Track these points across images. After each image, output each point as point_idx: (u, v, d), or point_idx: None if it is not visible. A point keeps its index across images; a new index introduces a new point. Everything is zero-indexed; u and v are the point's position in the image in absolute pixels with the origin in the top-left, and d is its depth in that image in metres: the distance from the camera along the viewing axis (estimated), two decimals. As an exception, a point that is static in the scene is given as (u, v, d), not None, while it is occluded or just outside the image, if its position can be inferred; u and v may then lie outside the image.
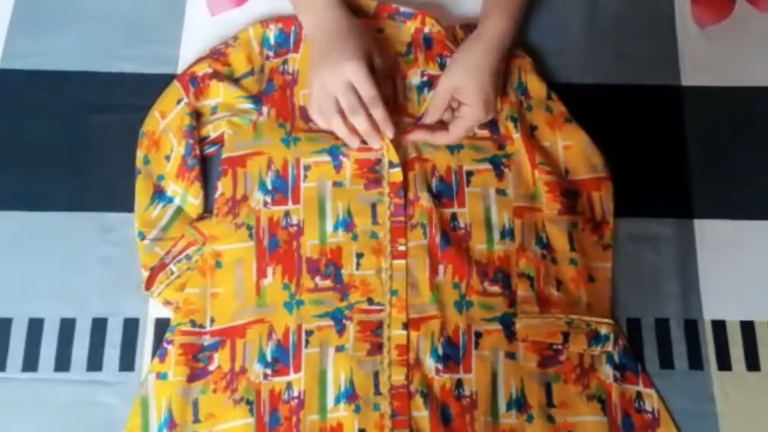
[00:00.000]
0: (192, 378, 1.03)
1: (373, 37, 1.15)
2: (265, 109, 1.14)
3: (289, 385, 1.02)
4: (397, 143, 1.12)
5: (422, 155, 1.12)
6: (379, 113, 1.08)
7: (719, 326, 1.09)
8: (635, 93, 1.20)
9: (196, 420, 1.01)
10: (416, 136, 1.12)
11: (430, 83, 1.17)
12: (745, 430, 1.04)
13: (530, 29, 1.23)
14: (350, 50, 1.07)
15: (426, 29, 1.19)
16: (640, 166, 1.15)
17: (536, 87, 1.17)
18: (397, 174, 1.10)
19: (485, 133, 1.14)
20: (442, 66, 1.17)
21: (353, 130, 1.09)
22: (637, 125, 1.18)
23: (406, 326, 1.04)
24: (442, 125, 1.13)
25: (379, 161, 1.11)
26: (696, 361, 1.07)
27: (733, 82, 1.21)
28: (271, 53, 1.18)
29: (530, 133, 1.14)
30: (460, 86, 1.10)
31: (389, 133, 1.09)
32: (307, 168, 1.11)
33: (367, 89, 1.07)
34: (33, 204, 1.14)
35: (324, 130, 1.12)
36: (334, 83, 1.07)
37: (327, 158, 1.12)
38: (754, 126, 1.19)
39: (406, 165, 1.11)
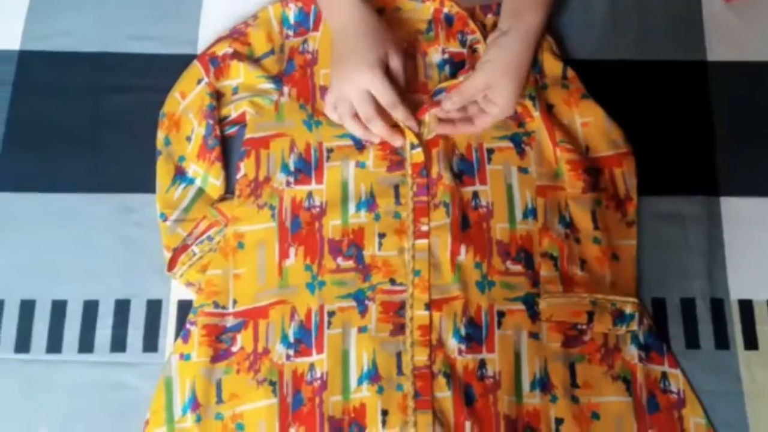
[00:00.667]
0: (215, 359, 1.03)
1: (391, 25, 1.15)
2: (286, 90, 1.14)
3: (311, 366, 1.02)
4: (419, 121, 1.11)
5: (441, 134, 1.12)
6: (400, 115, 1.09)
7: (746, 305, 1.08)
8: (660, 69, 1.18)
9: (220, 401, 1.02)
10: (441, 130, 1.11)
11: (451, 61, 1.16)
12: (771, 410, 1.04)
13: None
14: (366, 58, 1.07)
15: (445, 10, 1.18)
16: (666, 144, 1.14)
17: (552, 66, 1.15)
18: (418, 154, 1.10)
19: None
20: (463, 43, 1.16)
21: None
22: (662, 102, 1.17)
23: (428, 307, 1.03)
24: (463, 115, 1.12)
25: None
26: (722, 341, 1.06)
27: (760, 57, 1.19)
28: (291, 32, 1.17)
29: (548, 111, 1.13)
30: (495, 85, 1.09)
31: (413, 129, 1.10)
32: (330, 150, 1.11)
33: (384, 96, 1.08)
34: (53, 186, 1.14)
35: None
36: (350, 90, 1.08)
37: (350, 142, 1.11)
38: (780, 101, 1.18)
39: (428, 143, 1.11)
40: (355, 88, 1.08)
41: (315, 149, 1.11)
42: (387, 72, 1.09)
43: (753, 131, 1.16)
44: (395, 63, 1.11)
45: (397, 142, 1.10)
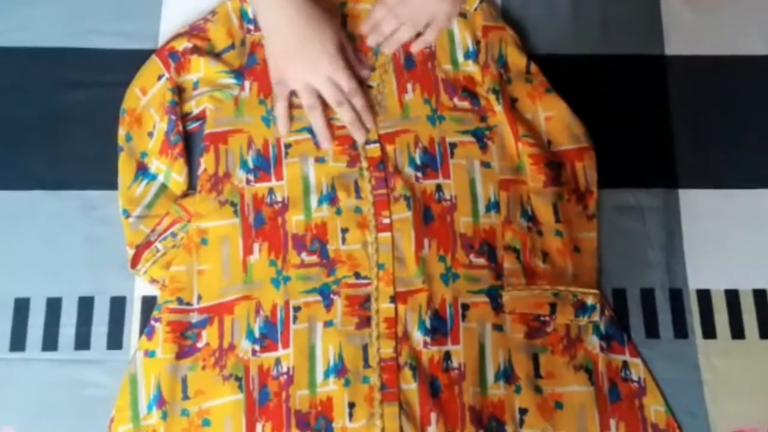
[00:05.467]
0: (180, 355, 1.03)
1: (336, 14, 1.17)
2: (247, 84, 1.14)
3: (277, 361, 1.03)
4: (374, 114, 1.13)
5: (403, 127, 1.12)
6: (359, 102, 1.11)
7: (704, 295, 1.10)
8: (619, 63, 1.20)
9: (186, 397, 1.02)
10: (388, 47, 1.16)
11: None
12: (729, 398, 1.05)
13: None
14: (325, 43, 1.09)
15: None
16: (625, 137, 1.16)
17: (516, 60, 1.16)
18: (374, 149, 1.11)
19: (466, 104, 1.14)
20: None
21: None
22: (621, 96, 1.18)
23: (393, 299, 1.04)
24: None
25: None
26: (681, 330, 1.08)
27: (717, 51, 1.21)
28: (251, 27, 1.17)
29: (512, 105, 1.14)
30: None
31: (369, 125, 1.12)
32: (288, 146, 1.11)
33: (347, 82, 1.10)
34: (14, 183, 1.13)
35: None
36: (314, 78, 1.10)
37: (307, 136, 1.12)
38: (737, 95, 1.19)
39: (384, 139, 1.12)
40: (319, 74, 1.09)
41: (273, 145, 1.11)
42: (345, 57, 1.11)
43: (710, 124, 1.17)
44: (349, 52, 1.13)
45: (359, 136, 1.11)
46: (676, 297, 1.09)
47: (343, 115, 1.11)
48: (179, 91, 1.13)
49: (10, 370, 1.05)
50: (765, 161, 1.16)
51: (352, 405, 1.00)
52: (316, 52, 1.09)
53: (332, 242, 1.07)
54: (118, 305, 1.08)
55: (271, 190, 1.09)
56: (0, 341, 1.06)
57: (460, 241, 1.08)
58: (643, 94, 1.19)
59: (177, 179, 1.10)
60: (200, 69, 1.13)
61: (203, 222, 1.08)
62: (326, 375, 1.02)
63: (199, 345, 1.04)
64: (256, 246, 1.07)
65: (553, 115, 1.13)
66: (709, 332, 1.08)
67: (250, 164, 1.10)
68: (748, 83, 1.20)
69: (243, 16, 1.17)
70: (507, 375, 1.03)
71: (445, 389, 1.02)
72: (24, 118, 1.15)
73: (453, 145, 1.12)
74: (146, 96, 1.12)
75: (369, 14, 1.16)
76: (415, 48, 1.16)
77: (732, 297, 1.09)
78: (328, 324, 1.03)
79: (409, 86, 1.15)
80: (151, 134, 1.11)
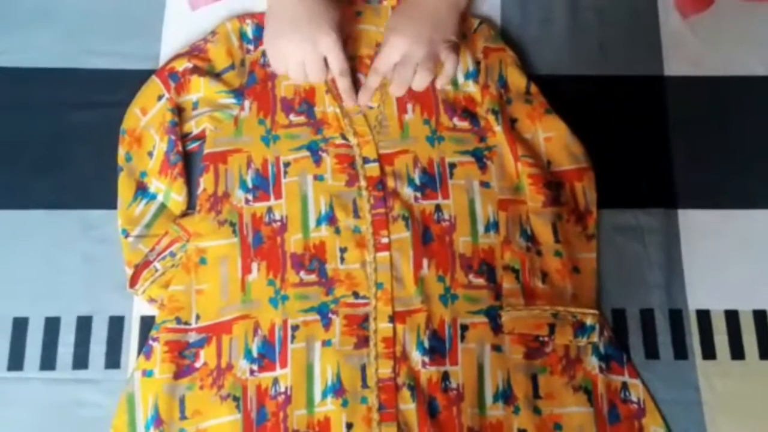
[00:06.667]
0: (178, 375, 1.03)
1: (351, 39, 1.17)
2: (246, 104, 1.14)
3: (275, 381, 1.02)
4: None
5: (402, 148, 1.12)
6: (345, 84, 1.12)
7: (704, 316, 1.09)
8: (618, 84, 1.20)
9: (183, 417, 1.01)
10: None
11: None
12: (729, 419, 1.04)
13: (513, 20, 1.23)
14: (327, 20, 1.10)
15: None
16: (624, 157, 1.16)
17: (516, 80, 1.17)
18: (374, 168, 1.11)
19: (465, 125, 1.14)
20: None
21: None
22: (621, 116, 1.18)
23: (392, 319, 1.04)
24: None
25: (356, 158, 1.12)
26: (681, 351, 1.07)
27: (716, 72, 1.21)
28: (251, 47, 1.18)
29: (511, 125, 1.14)
30: (408, 55, 1.11)
31: (350, 102, 1.13)
32: (287, 165, 1.11)
33: (340, 62, 1.11)
34: (14, 202, 1.13)
35: (303, 123, 1.13)
36: (307, 57, 1.11)
37: (306, 153, 1.12)
38: (736, 115, 1.19)
39: (381, 159, 1.12)
40: (313, 54, 1.10)
41: (272, 164, 1.12)
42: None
43: (709, 145, 1.17)
44: (344, 32, 1.14)
45: (349, 102, 1.13)
46: (676, 317, 1.09)
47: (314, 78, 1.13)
48: (179, 111, 1.13)
49: (8, 389, 1.05)
50: (764, 181, 1.16)
51: (350, 425, 1.00)
52: (317, 25, 1.09)
53: (331, 261, 1.07)
54: (116, 325, 1.08)
55: (269, 209, 1.09)
56: (-2, 360, 1.06)
57: (459, 261, 1.07)
58: (643, 114, 1.19)
59: (176, 199, 1.11)
60: (200, 89, 1.14)
61: (202, 242, 1.08)
62: (324, 395, 1.01)
63: (197, 365, 1.03)
64: (254, 265, 1.07)
65: (552, 135, 1.13)
66: (709, 353, 1.07)
67: (249, 184, 1.10)
68: (747, 104, 1.20)
69: (242, 36, 1.18)
70: (506, 396, 1.02)
71: (443, 410, 1.01)
72: (24, 137, 1.16)
73: (452, 166, 1.12)
74: (146, 116, 1.12)
75: (364, 84, 1.15)
76: (441, 83, 1.14)
77: (732, 317, 1.09)
78: (326, 343, 1.03)
79: (409, 106, 1.15)
80: (150, 154, 1.12)
